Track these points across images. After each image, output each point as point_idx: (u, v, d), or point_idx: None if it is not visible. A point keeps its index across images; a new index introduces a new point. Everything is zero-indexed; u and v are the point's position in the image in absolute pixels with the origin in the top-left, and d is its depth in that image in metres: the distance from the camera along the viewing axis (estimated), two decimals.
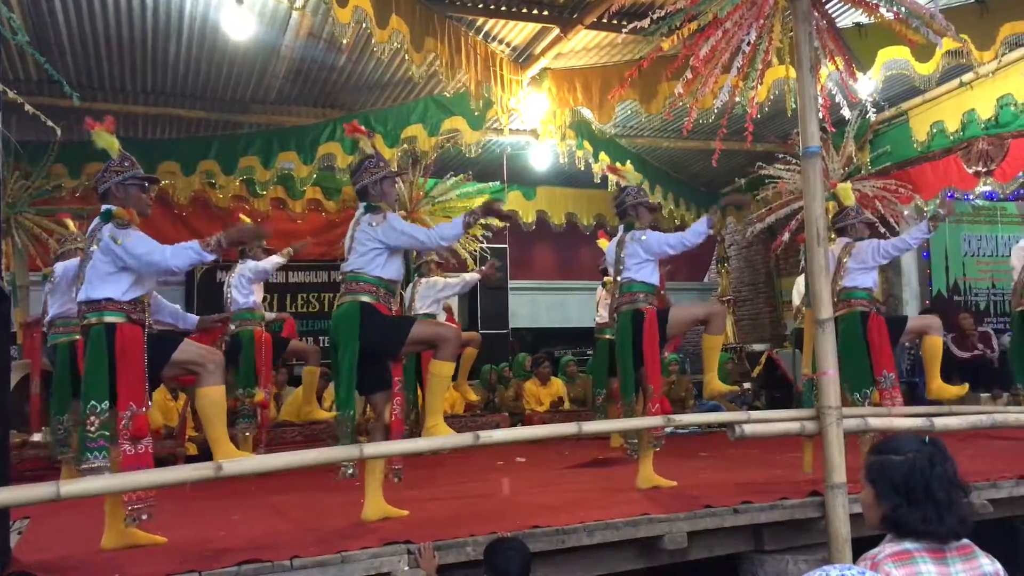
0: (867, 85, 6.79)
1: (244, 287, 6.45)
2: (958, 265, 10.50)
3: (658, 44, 4.46)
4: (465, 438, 3.81)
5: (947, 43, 5.32)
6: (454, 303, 8.66)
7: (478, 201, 9.58)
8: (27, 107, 4.09)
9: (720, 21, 4.06)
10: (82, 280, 3.72)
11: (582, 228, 10.83)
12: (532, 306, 12.47)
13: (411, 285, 7.49)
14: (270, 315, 7.17)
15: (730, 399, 9.52)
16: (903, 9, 4.04)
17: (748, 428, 4.03)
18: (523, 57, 7.28)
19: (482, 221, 4.64)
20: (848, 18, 6.47)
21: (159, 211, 7.84)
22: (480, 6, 6.55)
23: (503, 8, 6.59)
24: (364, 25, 5.71)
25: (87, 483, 3.17)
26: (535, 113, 7.69)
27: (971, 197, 10.03)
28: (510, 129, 8.24)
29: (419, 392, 6.69)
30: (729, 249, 12.81)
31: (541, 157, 9.28)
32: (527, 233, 10.98)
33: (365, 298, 4.06)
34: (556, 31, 6.75)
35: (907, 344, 8.00)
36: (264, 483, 5.48)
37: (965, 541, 1.85)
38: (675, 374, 9.20)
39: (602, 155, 8.41)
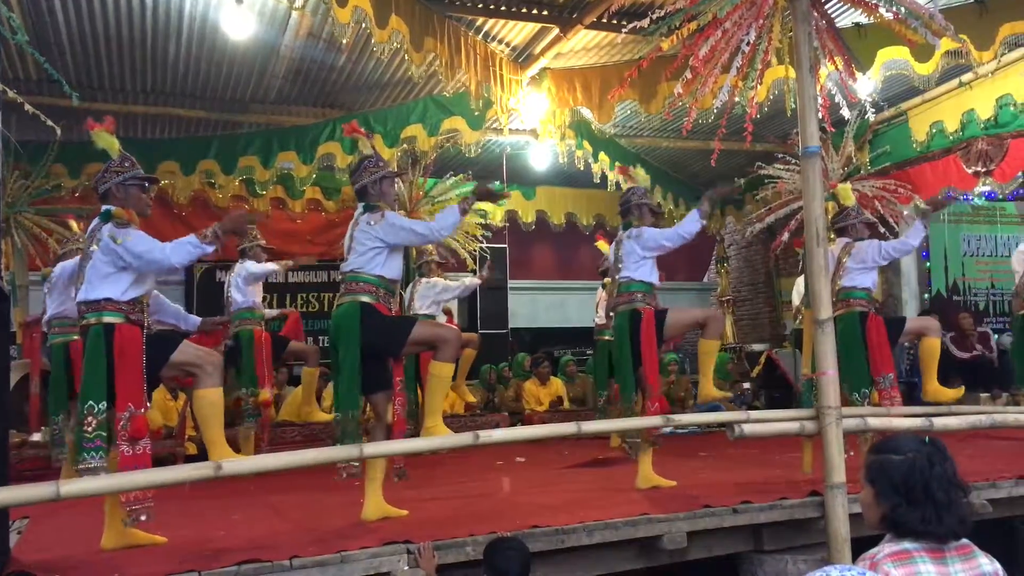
0: (866, 85, 6.78)
1: (241, 287, 6.46)
2: (957, 265, 10.51)
3: (657, 44, 4.46)
4: (465, 438, 3.81)
5: (946, 43, 5.32)
6: (453, 304, 8.67)
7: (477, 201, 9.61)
8: (27, 107, 4.09)
9: (719, 21, 4.06)
10: (81, 280, 3.72)
11: (581, 228, 10.83)
12: (531, 306, 12.47)
13: (411, 285, 7.50)
14: (271, 312, 7.16)
15: (729, 399, 9.53)
16: (902, 9, 4.04)
17: (747, 428, 4.03)
18: (523, 57, 7.28)
19: (478, 207, 4.64)
20: (847, 18, 6.48)
21: (158, 211, 7.83)
22: (480, 6, 6.55)
23: (503, 8, 6.59)
24: (364, 25, 5.70)
25: (87, 483, 3.17)
26: (535, 113, 7.68)
27: (970, 197, 10.03)
28: (510, 129, 8.24)
29: (419, 392, 6.70)
30: (728, 249, 12.81)
31: (541, 157, 9.28)
32: (526, 233, 10.99)
33: (365, 298, 4.06)
34: (556, 31, 6.75)
35: (906, 344, 8.00)
36: (264, 483, 5.48)
37: (964, 541, 1.85)
38: (674, 374, 9.21)
39: (601, 155, 8.41)
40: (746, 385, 9.93)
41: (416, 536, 3.46)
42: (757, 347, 11.16)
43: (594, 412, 8.18)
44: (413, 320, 4.90)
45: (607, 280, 7.20)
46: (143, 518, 3.53)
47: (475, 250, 9.47)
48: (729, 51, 4.14)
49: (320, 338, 9.60)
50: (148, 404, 3.70)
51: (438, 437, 4.10)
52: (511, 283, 11.83)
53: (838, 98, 4.69)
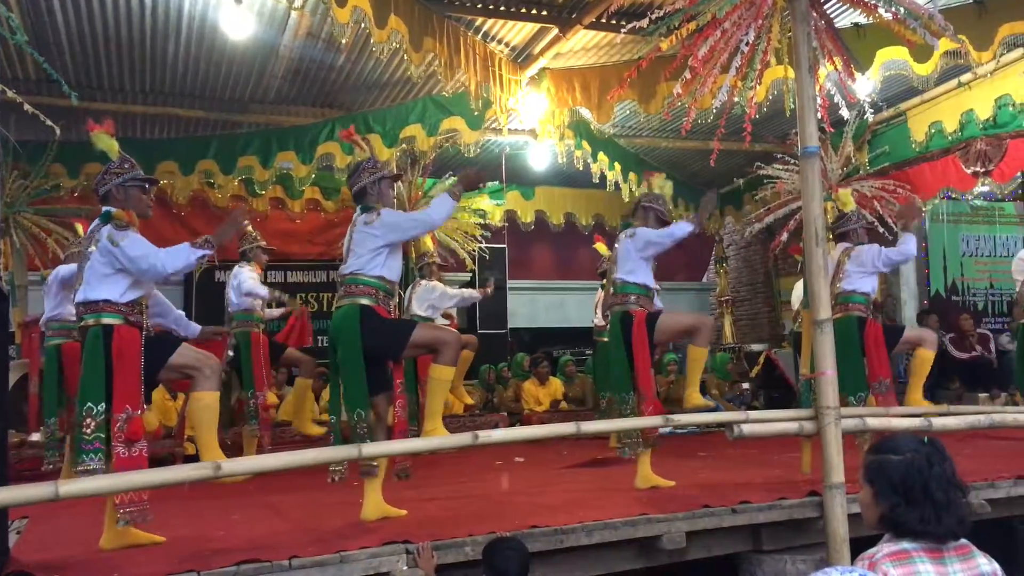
0: (865, 85, 6.79)
1: (238, 291, 6.46)
2: (956, 265, 10.50)
3: (657, 44, 4.46)
4: (464, 438, 3.81)
5: (945, 44, 5.32)
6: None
7: (478, 201, 9.62)
8: (26, 106, 4.08)
9: (719, 21, 4.06)
10: (80, 281, 3.72)
11: (581, 228, 10.82)
12: (531, 306, 12.46)
13: (410, 286, 7.49)
14: (275, 312, 7.14)
15: (728, 399, 9.53)
16: (901, 9, 4.04)
17: (746, 428, 4.04)
18: (522, 57, 7.28)
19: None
20: (846, 18, 6.48)
21: (157, 211, 7.81)
22: (479, 6, 6.55)
23: (502, 8, 6.59)
24: (363, 25, 5.70)
25: (86, 483, 3.16)
26: (534, 113, 7.69)
27: (969, 197, 10.05)
28: (509, 129, 8.24)
29: (419, 394, 6.69)
30: (728, 249, 12.82)
31: (540, 157, 9.27)
32: (526, 233, 10.98)
33: (364, 300, 4.06)
34: (555, 31, 6.75)
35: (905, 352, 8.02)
36: (263, 483, 5.48)
37: (963, 541, 1.85)
38: (673, 374, 9.20)
39: (601, 155, 8.42)
40: (745, 385, 9.93)
41: (415, 536, 3.46)
42: (756, 347, 11.16)
43: (593, 412, 8.19)
44: (413, 323, 4.90)
45: (606, 281, 7.20)
46: (138, 520, 3.52)
47: (474, 250, 9.47)
48: (728, 51, 4.14)
49: (320, 338, 9.59)
50: (146, 406, 3.70)
51: (437, 438, 4.10)
52: (510, 283, 11.81)
53: (837, 98, 4.70)
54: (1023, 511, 4.70)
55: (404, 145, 7.88)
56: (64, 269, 5.91)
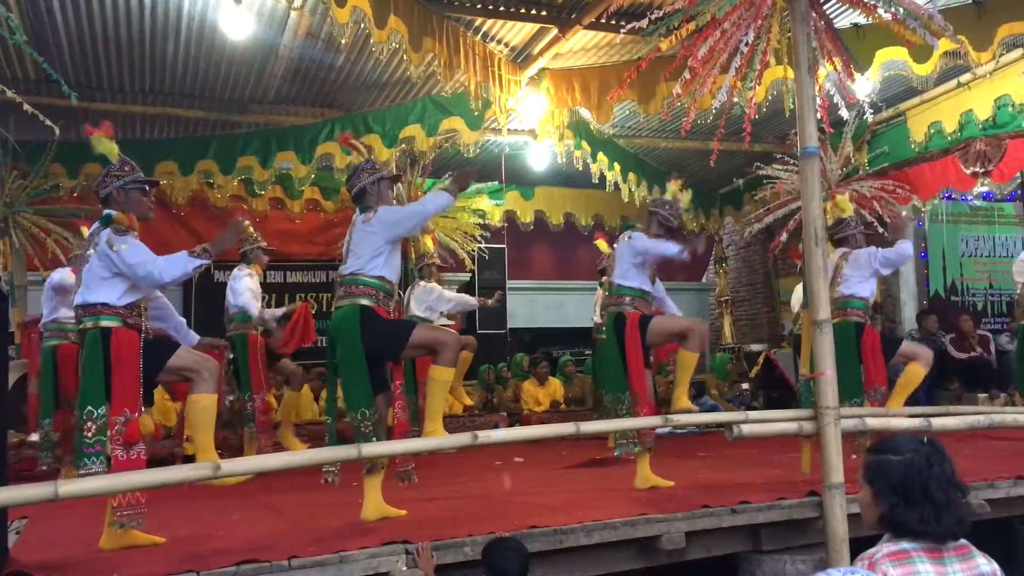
0: (865, 86, 6.79)
1: (235, 294, 6.45)
2: (955, 265, 10.51)
3: (656, 44, 4.46)
4: (463, 438, 3.81)
5: (944, 44, 5.32)
6: None
7: (477, 201, 9.62)
8: (25, 106, 4.08)
9: (718, 21, 4.06)
10: (79, 284, 3.72)
11: (580, 228, 10.82)
12: (530, 306, 12.46)
13: (410, 287, 7.49)
14: (276, 312, 7.12)
15: (727, 399, 9.54)
16: (901, 10, 4.04)
17: (746, 428, 4.04)
18: (521, 57, 7.28)
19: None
20: (846, 19, 6.48)
21: (157, 211, 7.81)
22: (478, 6, 6.55)
23: (501, 8, 6.58)
24: (362, 25, 5.70)
25: (86, 483, 3.16)
26: (533, 113, 7.68)
27: (969, 198, 10.05)
28: (508, 129, 8.24)
29: (418, 395, 6.70)
30: (727, 249, 12.82)
31: (539, 157, 9.27)
32: (525, 233, 10.98)
33: (364, 301, 4.06)
34: (554, 31, 6.75)
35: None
36: (262, 483, 5.48)
37: (963, 541, 1.85)
38: (673, 374, 9.19)
39: (600, 155, 8.42)
40: (744, 385, 9.94)
41: (415, 536, 3.46)
42: (755, 347, 11.17)
43: (593, 412, 8.19)
44: (413, 324, 4.90)
45: (605, 279, 7.21)
46: (133, 524, 3.52)
47: (474, 250, 9.47)
48: (728, 51, 4.14)
49: (319, 338, 9.59)
50: (144, 409, 3.69)
51: (437, 438, 4.10)
52: (510, 283, 11.81)
53: (837, 99, 4.70)
54: (1022, 511, 4.70)
55: (403, 145, 7.88)
56: (56, 275, 5.94)
